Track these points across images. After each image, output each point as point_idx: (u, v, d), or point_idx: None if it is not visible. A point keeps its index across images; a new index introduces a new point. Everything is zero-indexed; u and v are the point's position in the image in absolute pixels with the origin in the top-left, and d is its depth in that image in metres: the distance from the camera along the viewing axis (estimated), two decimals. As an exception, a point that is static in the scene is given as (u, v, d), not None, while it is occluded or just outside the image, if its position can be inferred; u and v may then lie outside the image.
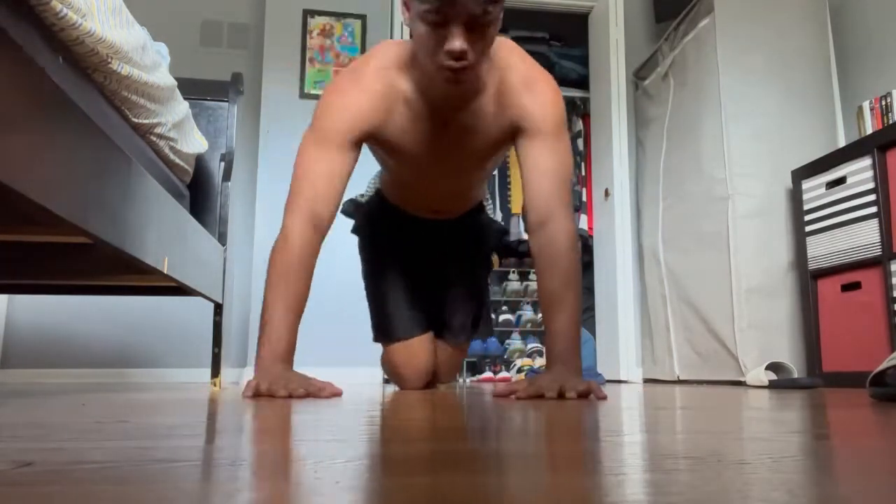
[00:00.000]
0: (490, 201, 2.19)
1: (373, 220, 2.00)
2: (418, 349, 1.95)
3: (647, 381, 3.66)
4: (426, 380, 1.99)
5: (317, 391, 1.30)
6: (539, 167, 1.47)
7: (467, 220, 2.02)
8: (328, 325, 3.21)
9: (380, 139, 1.54)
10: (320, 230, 1.46)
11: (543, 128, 1.48)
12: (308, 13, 3.77)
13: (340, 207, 1.73)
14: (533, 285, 4.56)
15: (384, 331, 1.97)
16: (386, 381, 3.23)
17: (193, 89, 2.37)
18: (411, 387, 1.96)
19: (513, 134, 1.52)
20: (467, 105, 1.50)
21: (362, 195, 2.04)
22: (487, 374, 4.26)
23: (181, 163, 1.98)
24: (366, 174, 2.01)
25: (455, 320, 2.03)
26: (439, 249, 2.03)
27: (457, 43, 1.29)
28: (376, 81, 1.48)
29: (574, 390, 1.23)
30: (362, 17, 3.80)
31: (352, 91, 1.48)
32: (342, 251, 2.63)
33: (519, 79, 1.49)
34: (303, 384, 1.30)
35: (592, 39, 4.18)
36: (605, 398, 1.28)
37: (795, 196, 2.81)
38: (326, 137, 1.46)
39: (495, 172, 4.34)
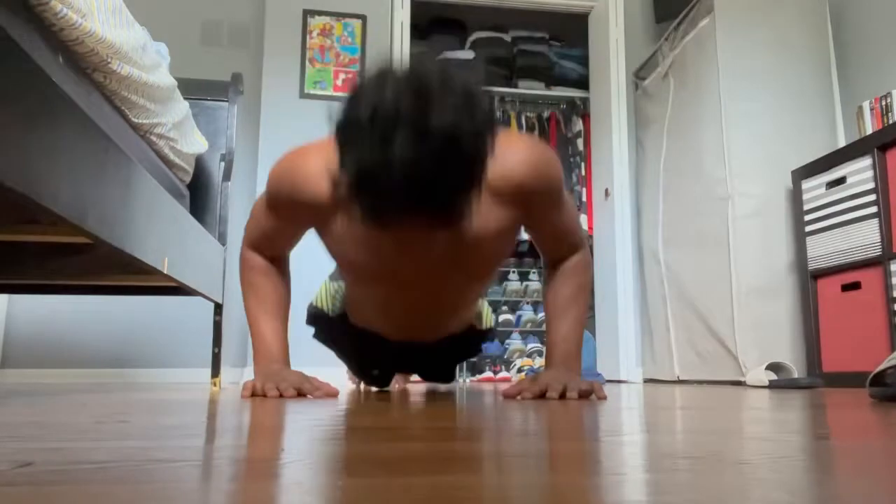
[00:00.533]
0: (486, 314, 1.84)
1: (339, 340, 1.75)
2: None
3: (647, 381, 3.66)
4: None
5: (310, 390, 1.30)
6: (552, 233, 1.35)
7: (449, 343, 1.69)
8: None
9: (332, 238, 1.28)
10: (280, 265, 1.44)
11: (546, 200, 1.27)
12: (308, 13, 3.77)
13: (305, 318, 1.69)
14: (533, 285, 4.56)
15: (357, 377, 1.90)
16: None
17: (193, 89, 2.38)
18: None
19: (518, 221, 1.27)
20: None
21: (326, 309, 1.72)
22: (487, 374, 4.26)
23: (181, 163, 1.98)
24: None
25: (432, 378, 1.94)
26: (414, 363, 1.80)
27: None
28: (323, 172, 1.18)
29: (575, 390, 1.24)
30: (362, 17, 3.80)
31: (296, 177, 1.24)
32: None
33: (504, 169, 1.19)
34: (297, 383, 1.30)
35: (592, 39, 4.19)
36: (605, 398, 1.29)
37: (795, 196, 2.81)
38: (272, 208, 1.32)
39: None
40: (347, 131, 0.94)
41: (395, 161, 0.88)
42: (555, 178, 1.26)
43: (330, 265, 1.75)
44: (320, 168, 1.19)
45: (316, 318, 1.73)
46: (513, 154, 1.21)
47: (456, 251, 1.23)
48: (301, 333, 1.86)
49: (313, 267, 2.57)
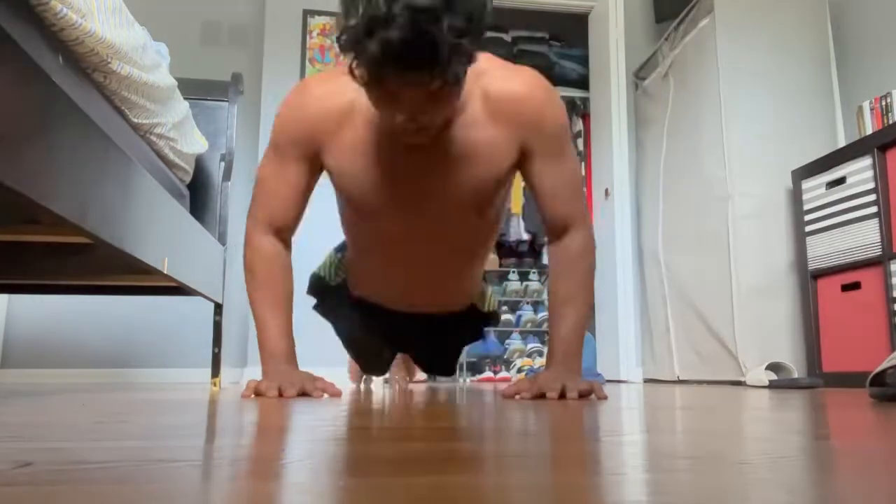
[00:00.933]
0: (490, 297, 1.82)
1: (338, 311, 1.74)
2: (373, 359, 1.89)
3: (647, 381, 3.66)
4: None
5: (311, 390, 1.30)
6: (552, 185, 1.32)
7: (451, 321, 1.69)
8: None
9: (333, 165, 1.32)
10: (283, 238, 1.42)
11: (551, 135, 1.28)
12: (308, 13, 3.77)
13: (306, 287, 1.67)
14: (533, 285, 4.56)
15: (355, 361, 1.92)
16: (385, 381, 3.22)
17: (193, 89, 2.38)
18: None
19: (520, 154, 1.29)
20: (446, 129, 1.23)
21: (321, 276, 1.74)
22: (487, 374, 4.26)
23: (181, 163, 1.98)
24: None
25: (433, 366, 1.95)
26: (419, 341, 1.78)
27: (408, 120, 1.10)
28: (327, 96, 1.28)
29: (576, 390, 1.23)
30: (362, 17, 3.80)
31: (299, 104, 1.32)
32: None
33: (506, 83, 1.26)
34: (300, 383, 1.30)
35: (592, 39, 4.19)
36: (605, 398, 1.29)
37: (795, 196, 2.81)
38: (279, 148, 1.35)
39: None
40: None
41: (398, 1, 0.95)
42: (558, 114, 1.29)
43: (335, 240, 1.75)
44: (324, 89, 1.29)
45: (317, 287, 1.73)
46: (518, 73, 1.28)
47: (453, 166, 1.26)
48: (303, 333, 1.85)
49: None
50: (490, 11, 1.05)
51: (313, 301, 1.78)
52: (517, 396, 1.28)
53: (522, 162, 1.31)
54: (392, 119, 1.12)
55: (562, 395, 1.23)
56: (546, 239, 1.42)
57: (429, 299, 1.57)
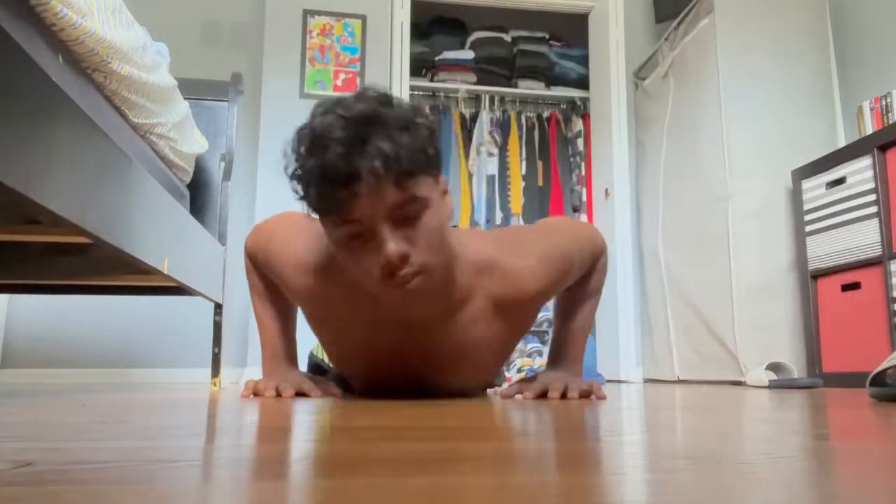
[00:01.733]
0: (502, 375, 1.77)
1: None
2: None
3: (647, 381, 3.66)
4: None
5: (309, 390, 1.30)
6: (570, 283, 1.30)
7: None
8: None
9: (315, 320, 1.26)
10: None
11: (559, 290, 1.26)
12: (308, 13, 3.77)
13: (307, 367, 1.64)
14: (533, 285, 4.55)
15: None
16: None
17: (193, 89, 2.37)
18: None
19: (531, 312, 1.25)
20: (451, 319, 1.16)
21: (316, 356, 1.71)
22: (487, 374, 4.25)
23: (181, 163, 1.98)
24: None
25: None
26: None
27: (391, 247, 0.96)
28: (302, 267, 1.20)
29: (576, 390, 1.24)
30: (362, 18, 3.80)
31: (270, 264, 1.27)
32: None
33: (509, 287, 1.17)
34: (299, 383, 1.31)
35: (592, 39, 4.19)
36: (605, 398, 1.29)
37: (795, 196, 2.81)
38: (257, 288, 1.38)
39: (495, 172, 4.34)
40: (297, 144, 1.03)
41: (333, 125, 0.96)
42: (565, 274, 1.23)
43: None
44: (299, 259, 1.20)
45: (316, 370, 1.71)
46: (522, 273, 1.17)
47: (460, 361, 1.22)
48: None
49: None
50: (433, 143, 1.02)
51: (314, 358, 1.76)
52: (518, 396, 1.28)
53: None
54: (369, 267, 1.01)
55: (563, 396, 1.23)
56: None
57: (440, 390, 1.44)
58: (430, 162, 1.00)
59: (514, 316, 1.21)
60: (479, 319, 1.18)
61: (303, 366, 1.58)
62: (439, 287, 1.08)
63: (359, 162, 0.93)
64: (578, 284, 1.35)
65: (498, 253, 1.18)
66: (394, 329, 1.17)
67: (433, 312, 1.14)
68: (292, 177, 1.01)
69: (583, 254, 1.29)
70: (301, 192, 1.00)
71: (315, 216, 1.04)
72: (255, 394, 1.30)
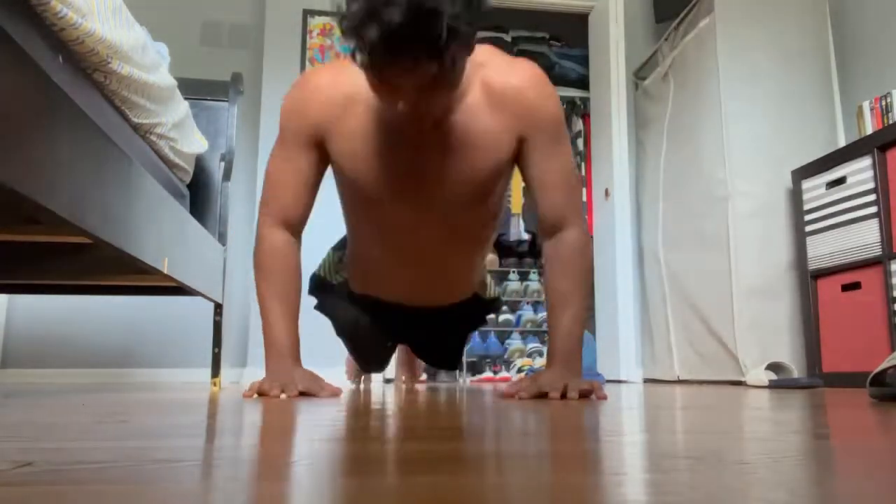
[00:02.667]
0: (490, 284, 1.85)
1: (339, 308, 1.72)
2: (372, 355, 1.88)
3: (647, 381, 3.66)
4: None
5: (316, 391, 1.31)
6: (549, 177, 1.34)
7: (454, 312, 1.70)
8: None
9: (335, 152, 1.34)
10: (295, 234, 1.43)
11: (547, 126, 1.31)
12: (308, 13, 3.77)
13: (308, 288, 1.69)
14: (533, 285, 4.56)
15: (355, 359, 1.90)
16: (385, 381, 3.23)
17: (193, 89, 2.37)
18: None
19: (518, 143, 1.32)
20: (446, 117, 1.26)
21: (321, 276, 1.75)
22: (487, 374, 4.26)
23: (181, 163, 1.98)
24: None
25: (437, 360, 1.94)
26: (416, 335, 1.79)
27: (409, 107, 1.12)
28: (330, 85, 1.33)
29: (576, 390, 1.23)
30: (362, 17, 3.80)
31: (303, 93, 1.36)
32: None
33: (505, 74, 1.29)
34: (303, 382, 1.31)
35: (592, 39, 4.18)
36: (605, 398, 1.29)
37: (795, 196, 2.81)
38: (286, 140, 1.39)
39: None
40: None
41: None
42: (554, 108, 1.31)
43: (335, 237, 1.76)
44: (326, 79, 1.33)
45: (319, 287, 1.74)
46: (518, 65, 1.30)
47: (454, 154, 1.29)
48: (307, 330, 1.84)
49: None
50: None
51: (314, 300, 1.78)
52: (518, 396, 1.28)
53: (520, 153, 1.34)
54: (393, 106, 1.14)
55: (563, 395, 1.23)
56: (540, 236, 1.43)
57: (432, 291, 1.58)
58: (471, 44, 1.10)
59: (501, 119, 1.28)
60: (478, 115, 1.27)
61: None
62: (446, 111, 1.24)
63: (404, 49, 1.01)
64: (565, 280, 1.36)
65: (502, 57, 1.32)
66: (416, 139, 1.27)
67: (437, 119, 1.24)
68: (346, 31, 1.05)
69: (569, 153, 1.38)
70: (352, 45, 1.06)
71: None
72: (260, 393, 1.30)
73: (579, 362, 1.36)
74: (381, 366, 1.90)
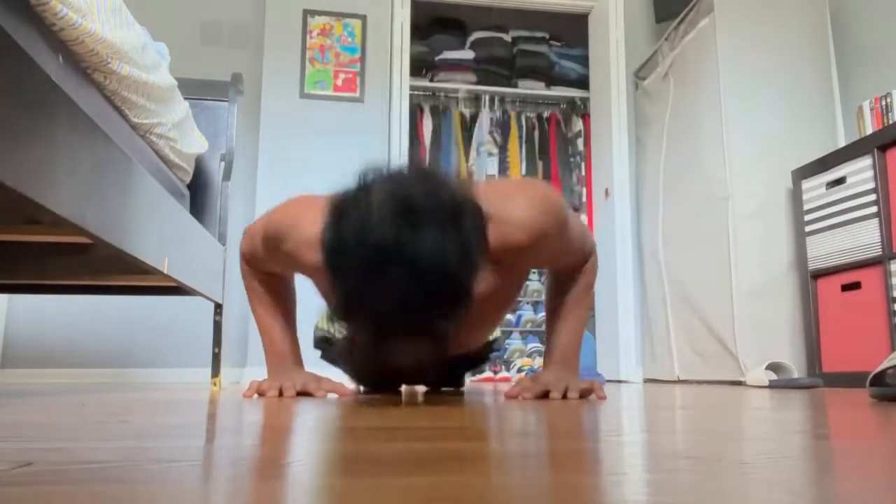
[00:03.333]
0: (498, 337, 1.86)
1: (343, 357, 1.68)
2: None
3: (647, 381, 3.66)
4: None
5: (314, 389, 1.31)
6: (560, 261, 1.32)
7: (462, 357, 1.71)
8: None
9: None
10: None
11: (548, 249, 1.20)
12: (308, 13, 3.77)
13: (312, 342, 1.69)
14: (533, 285, 4.56)
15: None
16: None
17: (193, 89, 2.37)
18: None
19: (523, 275, 1.30)
20: None
21: (322, 328, 1.72)
22: (487, 374, 4.26)
23: (181, 163, 1.98)
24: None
25: (441, 385, 1.90)
26: (425, 373, 1.70)
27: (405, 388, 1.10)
28: (301, 256, 1.20)
29: (577, 390, 1.24)
30: (362, 18, 3.80)
31: (268, 261, 1.31)
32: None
33: (504, 234, 1.11)
34: (302, 383, 1.31)
35: (592, 39, 4.18)
36: (605, 398, 1.29)
37: (795, 196, 2.81)
38: (271, 257, 1.30)
39: (495, 172, 4.35)
40: (335, 256, 0.90)
41: (383, 295, 0.87)
42: (557, 225, 1.18)
43: None
44: (311, 235, 1.12)
45: (322, 340, 1.72)
46: (511, 217, 1.13)
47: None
48: (308, 331, 1.82)
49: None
50: (480, 250, 0.93)
51: (319, 332, 1.75)
52: (522, 397, 1.28)
53: (528, 269, 1.31)
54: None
55: (564, 396, 1.24)
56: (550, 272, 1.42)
57: (435, 374, 1.59)
58: (462, 312, 0.95)
59: (505, 270, 1.19)
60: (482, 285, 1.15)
61: (309, 342, 1.61)
62: None
63: (400, 340, 0.94)
64: (569, 283, 1.35)
65: (488, 206, 1.06)
66: None
67: None
68: (336, 274, 0.91)
69: (575, 225, 1.27)
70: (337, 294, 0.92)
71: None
72: (259, 394, 1.30)
73: (577, 362, 1.36)
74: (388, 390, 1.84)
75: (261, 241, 1.30)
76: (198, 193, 2.34)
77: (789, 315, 2.84)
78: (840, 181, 2.57)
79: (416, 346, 0.97)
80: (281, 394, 1.28)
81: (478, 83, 4.55)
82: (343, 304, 0.91)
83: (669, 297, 3.44)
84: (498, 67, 4.62)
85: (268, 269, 1.38)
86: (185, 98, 1.97)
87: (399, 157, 3.59)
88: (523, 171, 4.40)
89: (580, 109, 4.62)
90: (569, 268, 1.35)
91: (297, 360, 1.41)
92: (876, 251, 2.38)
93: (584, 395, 1.26)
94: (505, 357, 4.39)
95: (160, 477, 0.35)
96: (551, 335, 1.37)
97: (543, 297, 1.34)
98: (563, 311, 1.36)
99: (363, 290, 0.88)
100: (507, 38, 4.69)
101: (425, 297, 0.87)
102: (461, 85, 4.50)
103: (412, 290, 0.86)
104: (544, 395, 1.25)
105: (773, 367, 2.59)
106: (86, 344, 3.46)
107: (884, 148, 2.39)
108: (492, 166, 4.36)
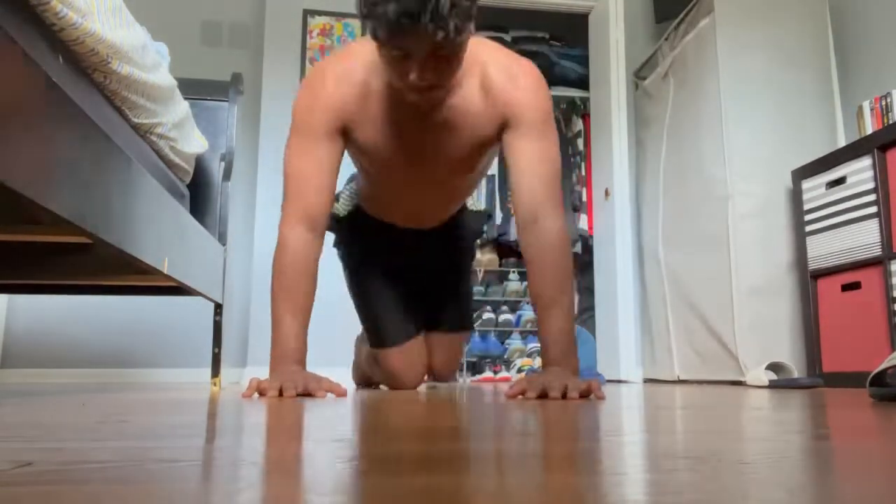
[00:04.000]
0: (473, 196, 2.11)
1: (353, 233, 1.94)
2: (414, 353, 1.94)
3: (647, 381, 3.66)
4: (420, 380, 2.00)
5: (314, 390, 1.31)
6: (527, 162, 1.44)
7: (450, 224, 1.94)
8: (332, 325, 3.21)
9: (356, 136, 1.50)
10: (317, 230, 1.47)
11: (531, 118, 1.44)
12: (308, 13, 3.77)
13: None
14: (533, 285, 4.56)
15: (378, 339, 1.94)
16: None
17: (193, 89, 2.37)
18: (406, 388, 1.96)
19: (501, 129, 1.47)
20: (446, 101, 1.46)
21: (338, 212, 1.93)
22: (487, 374, 4.26)
23: (181, 163, 1.98)
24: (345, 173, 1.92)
25: (446, 314, 2.03)
26: (422, 254, 1.97)
27: (419, 76, 1.28)
28: (346, 76, 1.46)
29: (576, 390, 1.24)
30: (362, 17, 3.80)
31: (322, 86, 1.47)
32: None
33: (502, 70, 1.45)
34: (304, 383, 1.32)
35: (592, 39, 4.19)
36: (603, 398, 1.29)
37: (795, 196, 2.81)
38: (306, 133, 1.47)
39: (495, 171, 4.34)
40: None
41: None
42: (542, 104, 1.47)
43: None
44: (341, 71, 1.47)
45: (336, 220, 1.92)
46: (516, 63, 1.48)
47: (451, 137, 1.50)
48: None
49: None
50: None
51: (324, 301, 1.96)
52: (520, 396, 1.29)
53: (504, 136, 1.48)
54: (405, 78, 1.31)
55: (563, 396, 1.24)
56: (518, 229, 1.47)
57: (430, 215, 1.85)
58: (470, 18, 1.26)
59: (490, 107, 1.46)
60: (472, 103, 1.46)
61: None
62: (449, 93, 1.44)
63: (416, 22, 1.19)
64: (550, 277, 1.40)
65: (501, 54, 1.51)
66: (419, 123, 1.48)
67: (440, 101, 1.44)
68: (364, 14, 1.24)
69: (556, 157, 1.51)
70: (367, 17, 1.24)
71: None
72: (260, 393, 1.30)
73: (575, 358, 1.38)
74: (395, 335, 1.92)
75: (294, 132, 1.50)
76: (198, 193, 2.34)
77: (789, 315, 2.85)
78: (840, 181, 2.57)
79: (428, 36, 1.21)
80: (281, 394, 1.28)
81: (478, 83, 4.55)
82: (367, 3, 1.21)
83: (669, 297, 3.44)
84: (498, 67, 4.61)
85: (312, 184, 1.47)
86: (185, 98, 1.97)
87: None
88: (523, 171, 4.40)
89: (580, 109, 4.61)
90: (538, 199, 1.43)
91: (300, 359, 1.42)
92: (876, 251, 2.38)
93: (583, 395, 1.26)
94: (505, 357, 4.39)
95: (160, 477, 0.35)
96: (543, 330, 1.39)
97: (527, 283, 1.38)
98: (550, 300, 1.38)
99: None
100: (507, 38, 4.69)
101: None
102: (461, 85, 4.50)
103: None
104: (544, 395, 1.26)
105: (773, 367, 2.59)
106: (86, 344, 3.46)
107: (884, 148, 2.39)
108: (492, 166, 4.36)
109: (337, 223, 1.93)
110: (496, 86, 1.44)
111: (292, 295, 1.42)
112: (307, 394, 1.30)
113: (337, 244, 2.01)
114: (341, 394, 1.35)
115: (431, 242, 1.94)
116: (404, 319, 1.95)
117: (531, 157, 1.44)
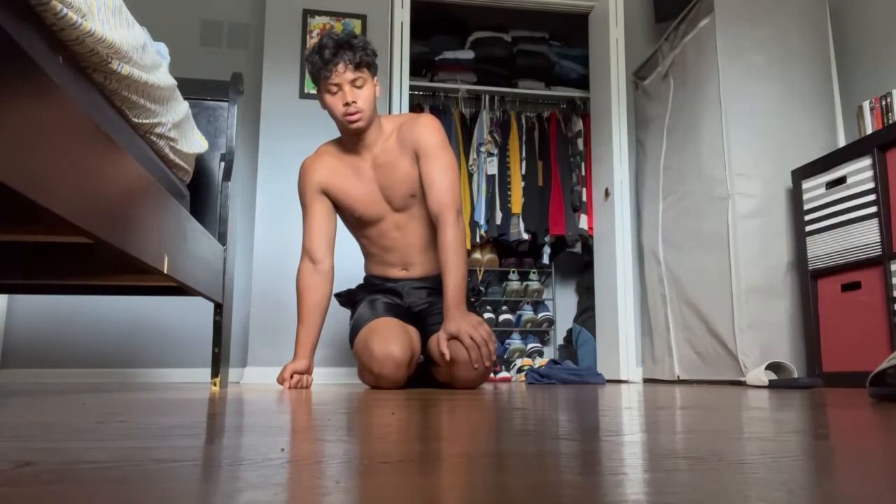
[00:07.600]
0: None
1: (360, 290, 2.43)
2: (390, 329, 2.09)
3: (647, 381, 3.66)
4: (402, 372, 1.99)
5: (283, 378, 2.04)
6: (429, 178, 2.14)
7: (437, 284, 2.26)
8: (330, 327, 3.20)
9: (334, 193, 2.24)
10: (318, 261, 2.24)
11: (430, 147, 2.15)
12: (308, 13, 3.77)
13: (338, 299, 2.41)
14: (533, 285, 4.56)
15: (357, 323, 2.24)
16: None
17: (193, 89, 2.37)
18: (388, 381, 1.97)
19: (413, 158, 2.17)
20: (375, 146, 2.21)
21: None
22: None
23: (181, 163, 1.98)
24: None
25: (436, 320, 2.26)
26: (414, 303, 2.34)
27: (348, 94, 2.08)
28: (318, 158, 2.29)
29: (477, 333, 1.94)
30: (362, 17, 3.80)
31: (305, 172, 2.29)
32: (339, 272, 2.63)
33: (407, 122, 2.22)
34: (288, 373, 2.07)
35: (592, 39, 4.18)
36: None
37: (795, 196, 2.81)
38: (304, 202, 2.28)
39: (495, 172, 4.35)
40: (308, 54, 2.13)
41: (329, 41, 2.09)
42: (434, 135, 2.18)
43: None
44: (314, 160, 2.31)
45: (344, 293, 2.44)
46: (417, 118, 2.24)
47: (388, 171, 2.20)
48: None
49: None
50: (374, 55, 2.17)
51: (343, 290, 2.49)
52: (445, 351, 1.94)
53: (419, 161, 2.17)
54: (339, 108, 2.11)
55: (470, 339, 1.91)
56: (432, 209, 2.15)
57: (411, 258, 2.32)
58: (372, 65, 2.13)
59: (406, 149, 2.19)
60: (392, 147, 2.20)
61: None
62: (372, 127, 2.20)
63: (340, 53, 2.07)
64: (452, 254, 2.04)
65: (404, 117, 2.32)
66: (366, 166, 2.24)
67: (370, 142, 2.22)
68: (308, 62, 2.12)
69: (454, 168, 2.20)
70: (310, 69, 2.12)
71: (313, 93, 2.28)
72: (283, 378, 2.07)
73: (465, 305, 2.02)
74: (374, 315, 2.24)
75: (301, 202, 2.31)
76: (198, 193, 2.34)
77: (789, 315, 2.84)
78: (840, 181, 2.57)
79: (347, 66, 2.08)
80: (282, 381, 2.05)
81: (478, 83, 4.55)
82: (312, 53, 2.10)
83: (669, 297, 3.44)
84: (498, 67, 4.61)
85: (316, 234, 2.25)
86: (185, 98, 1.97)
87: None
88: (523, 171, 4.40)
89: (580, 109, 4.61)
90: (441, 198, 2.11)
91: (302, 353, 2.13)
92: (876, 251, 2.38)
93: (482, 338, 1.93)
94: (505, 357, 4.39)
95: (160, 477, 0.35)
96: (447, 288, 2.00)
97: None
98: (452, 265, 2.02)
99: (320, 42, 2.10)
100: (507, 37, 4.69)
101: (351, 38, 2.10)
102: (461, 85, 4.49)
103: (344, 38, 2.10)
104: (454, 338, 1.93)
105: (773, 367, 2.59)
106: (86, 344, 3.46)
107: (884, 148, 2.39)
108: (492, 166, 4.36)
109: (343, 294, 2.44)
110: (405, 132, 2.19)
111: (301, 308, 2.21)
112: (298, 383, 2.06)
113: (345, 303, 2.44)
114: (305, 386, 2.05)
115: (424, 296, 2.34)
116: (385, 312, 2.24)
117: (433, 175, 2.13)
